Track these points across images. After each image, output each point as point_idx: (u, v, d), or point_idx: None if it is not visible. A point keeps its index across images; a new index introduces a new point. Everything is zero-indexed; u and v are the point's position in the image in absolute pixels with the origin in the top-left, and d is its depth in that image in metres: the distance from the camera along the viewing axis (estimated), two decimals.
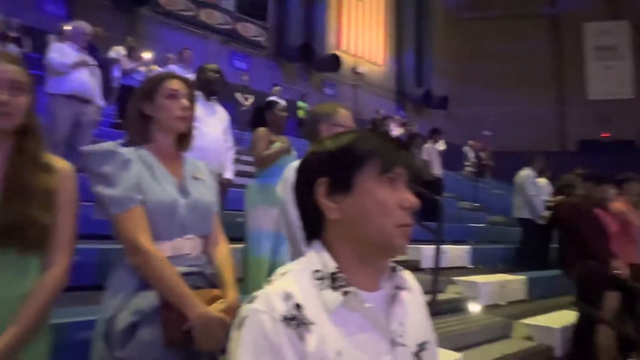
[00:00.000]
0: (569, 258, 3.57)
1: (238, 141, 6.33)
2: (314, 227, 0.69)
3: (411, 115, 13.28)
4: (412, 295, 0.74)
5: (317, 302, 0.62)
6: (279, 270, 0.68)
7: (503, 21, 13.94)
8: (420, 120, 12.76)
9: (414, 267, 4.39)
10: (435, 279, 3.58)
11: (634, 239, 3.74)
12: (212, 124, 2.78)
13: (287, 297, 0.61)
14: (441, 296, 3.79)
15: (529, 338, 3.49)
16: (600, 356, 3.30)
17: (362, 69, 13.86)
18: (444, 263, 4.25)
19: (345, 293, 0.63)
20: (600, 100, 12.84)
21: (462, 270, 4.74)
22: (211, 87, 2.83)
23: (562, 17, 13.86)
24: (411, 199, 0.66)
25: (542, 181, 5.34)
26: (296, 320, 0.60)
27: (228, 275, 1.24)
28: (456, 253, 4.87)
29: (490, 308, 4.05)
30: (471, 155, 10.41)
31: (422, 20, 14.80)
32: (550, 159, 7.83)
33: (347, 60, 13.53)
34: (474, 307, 3.98)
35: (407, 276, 0.76)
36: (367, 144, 0.67)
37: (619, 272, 3.33)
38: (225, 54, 10.93)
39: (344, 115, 1.55)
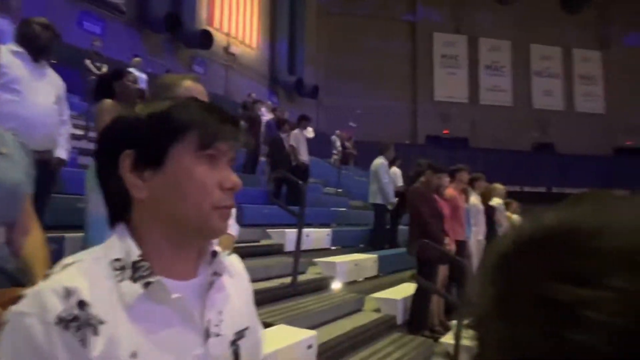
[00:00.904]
0: (411, 237, 4.06)
1: (85, 115, 5.57)
2: (119, 208, 0.60)
3: (283, 102, 13.46)
4: (236, 280, 0.69)
5: (112, 297, 0.53)
6: (63, 261, 0.56)
7: (370, 20, 15.02)
8: (291, 108, 13.02)
9: (278, 250, 4.48)
10: (296, 260, 3.70)
11: (461, 220, 4.43)
12: (40, 91, 2.32)
13: (68, 293, 0.51)
14: (302, 277, 3.94)
15: (377, 310, 3.87)
16: (431, 320, 3.84)
17: (235, 49, 13.45)
18: (307, 245, 4.43)
19: (147, 284, 0.55)
20: (443, 101, 14.89)
21: (324, 251, 5.02)
22: (38, 45, 2.33)
23: (418, 25, 15.56)
24: (233, 179, 0.60)
25: (395, 170, 5.94)
26: (77, 322, 0.50)
27: (39, 270, 1.04)
28: (319, 235, 5.11)
29: (348, 285, 4.38)
30: (338, 144, 11.05)
31: (296, 9, 15.03)
32: (403, 151, 8.78)
33: (219, 38, 12.95)
34: (335, 285, 4.25)
35: (233, 261, 0.71)
36: (185, 113, 0.59)
37: (449, 248, 3.91)
38: (73, 13, 9.41)
39: (188, 88, 1.26)
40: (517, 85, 14.94)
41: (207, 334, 0.60)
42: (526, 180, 11.90)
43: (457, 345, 2.99)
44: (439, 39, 15.31)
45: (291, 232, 4.37)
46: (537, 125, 14.27)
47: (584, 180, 11.54)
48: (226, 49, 13.20)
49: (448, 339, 3.37)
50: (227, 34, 13.50)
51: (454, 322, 3.42)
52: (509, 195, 6.56)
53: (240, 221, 1.63)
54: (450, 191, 4.35)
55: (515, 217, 6.52)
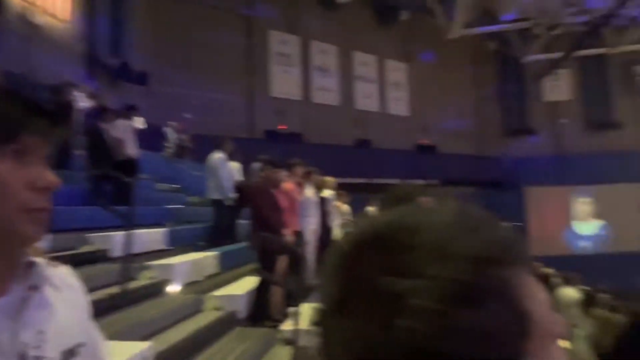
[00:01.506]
0: (252, 231, 4.10)
1: None
2: None
3: (104, 88, 11.83)
4: (65, 293, 0.60)
5: None
6: None
7: (208, 10, 14.45)
8: (115, 94, 11.54)
9: (102, 257, 3.94)
10: (126, 266, 3.33)
11: (297, 211, 4.69)
12: None
13: None
14: (134, 284, 3.57)
15: (219, 308, 3.80)
16: (272, 311, 3.97)
17: (38, 20, 11.14)
18: (139, 248, 4.02)
19: None
20: (280, 98, 15.46)
21: (159, 253, 4.64)
22: None
23: (254, 20, 15.69)
24: (48, 178, 0.52)
25: (234, 165, 5.89)
26: None
27: None
28: (152, 237, 4.71)
29: (188, 286, 4.15)
30: (172, 136, 10.33)
31: None
32: (242, 145, 8.76)
33: (14, 3, 10.54)
34: (171, 288, 3.98)
35: (61, 272, 0.61)
36: None
37: (288, 239, 4.10)
38: None
39: None
40: (343, 87, 16.58)
41: (23, 358, 0.51)
42: (351, 172, 13.34)
43: (296, 331, 3.16)
44: (274, 37, 15.77)
45: (118, 235, 3.89)
46: (358, 123, 16.14)
47: (395, 173, 13.63)
48: (24, 17, 10.82)
49: (288, 325, 3.54)
50: (26, 0, 11.07)
51: (293, 309, 3.62)
52: (339, 186, 7.25)
53: (49, 227, 1.36)
54: (287, 185, 4.55)
55: (345, 206, 7.24)
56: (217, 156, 5.33)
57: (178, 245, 5.11)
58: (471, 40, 16.21)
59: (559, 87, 18.24)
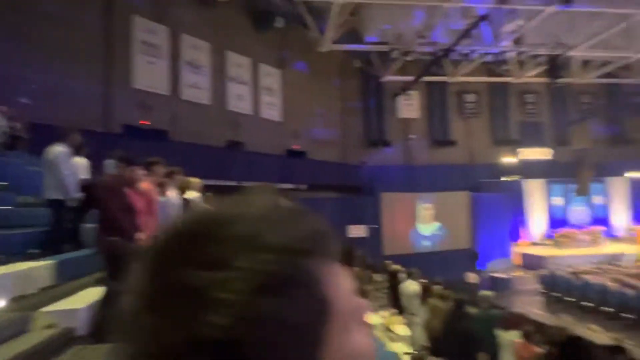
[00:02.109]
0: (100, 235, 3.66)
1: None
2: None
3: None
4: None
5: None
6: None
7: None
8: None
9: None
10: None
11: (155, 213, 4.35)
12: None
13: None
14: None
15: (51, 326, 3.28)
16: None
17: None
18: None
19: None
20: (143, 90, 14.18)
21: None
22: None
23: (117, 2, 14.12)
24: None
25: (80, 160, 5.19)
26: None
27: None
28: None
29: (15, 301, 3.49)
30: (2, 123, 8.60)
31: None
32: (95, 139, 7.77)
33: None
34: None
35: None
36: None
37: (142, 243, 3.76)
38: None
39: None
40: (215, 86, 16.05)
41: None
42: (220, 174, 12.98)
43: None
44: (140, 24, 14.43)
45: None
46: (230, 125, 15.84)
47: (266, 176, 13.75)
48: None
49: None
50: None
51: None
52: (206, 188, 6.96)
53: None
54: (145, 184, 4.19)
55: None
56: (59, 149, 4.61)
57: (4, 254, 4.26)
58: (340, 55, 17.44)
59: (410, 106, 20.81)
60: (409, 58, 15.43)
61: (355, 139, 20.25)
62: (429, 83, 19.68)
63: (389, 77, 17.91)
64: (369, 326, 0.40)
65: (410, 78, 17.31)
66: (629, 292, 10.82)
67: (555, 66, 14.58)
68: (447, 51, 14.19)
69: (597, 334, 9.26)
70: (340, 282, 0.36)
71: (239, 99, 16.60)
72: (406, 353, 4.62)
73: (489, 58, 15.25)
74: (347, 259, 4.50)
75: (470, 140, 21.76)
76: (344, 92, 19.97)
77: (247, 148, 15.97)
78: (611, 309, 11.14)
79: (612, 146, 23.02)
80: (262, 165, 15.11)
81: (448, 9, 13.39)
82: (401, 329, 6.07)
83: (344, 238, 14.13)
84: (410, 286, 5.99)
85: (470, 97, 21.69)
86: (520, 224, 20.67)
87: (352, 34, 15.49)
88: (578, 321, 10.90)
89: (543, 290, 13.81)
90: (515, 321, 4.40)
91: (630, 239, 19.72)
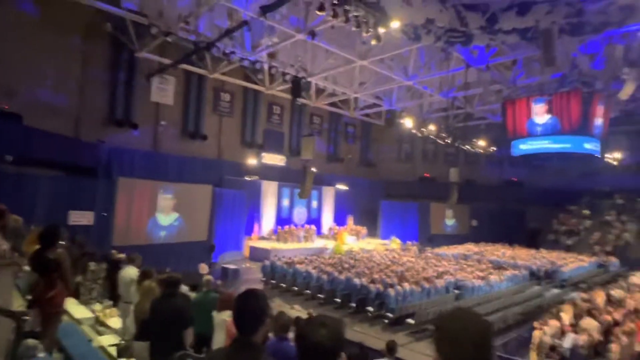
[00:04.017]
0: None
1: None
2: None
3: None
4: None
5: None
6: None
7: None
8: None
9: None
10: None
11: None
12: None
13: None
14: None
15: None
16: None
17: None
18: None
19: None
20: None
21: None
22: None
23: None
24: None
25: None
26: None
27: None
28: None
29: None
30: None
31: None
32: None
33: None
34: None
35: None
36: None
37: None
38: None
39: None
40: None
41: None
42: None
43: None
44: None
45: None
46: None
47: None
48: None
49: None
50: None
51: None
52: None
53: None
54: None
55: None
56: None
57: None
58: (87, 12, 14.85)
59: (165, 91, 19.85)
60: (169, 39, 14.71)
61: (97, 114, 17.69)
62: (189, 72, 19.33)
63: (146, 55, 16.54)
64: None
65: (168, 61, 16.53)
66: (324, 277, 13.58)
67: (297, 86, 16.92)
68: (209, 45, 14.32)
69: (298, 312, 11.19)
70: None
71: None
72: (111, 345, 4.30)
73: (246, 63, 16.27)
74: (48, 242, 3.81)
75: (221, 137, 22.61)
76: (87, 56, 17.13)
77: None
78: (309, 292, 13.71)
79: (328, 162, 28.68)
80: None
81: (214, 4, 13.56)
82: (114, 321, 5.62)
83: (64, 225, 12.00)
84: (129, 273, 5.64)
85: (226, 97, 22.58)
86: (255, 219, 22.85)
87: None
88: (287, 303, 12.90)
89: (263, 279, 15.64)
90: (227, 302, 4.78)
91: (333, 236, 24.91)
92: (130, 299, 5.27)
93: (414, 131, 20.09)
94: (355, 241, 24.98)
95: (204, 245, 17.60)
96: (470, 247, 23.61)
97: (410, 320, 10.90)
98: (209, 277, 5.96)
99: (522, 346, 8.96)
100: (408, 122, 19.43)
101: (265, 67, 17.79)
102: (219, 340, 4.81)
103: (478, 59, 15.02)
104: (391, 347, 5.58)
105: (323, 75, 18.44)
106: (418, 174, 32.58)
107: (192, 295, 5.98)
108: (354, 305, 12.35)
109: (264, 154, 24.13)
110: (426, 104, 22.11)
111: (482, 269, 15.99)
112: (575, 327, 8.78)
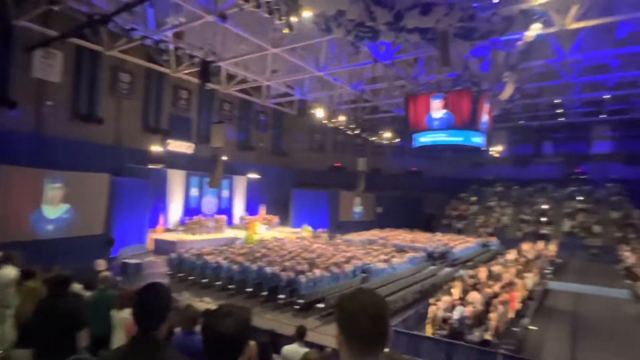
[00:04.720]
0: None
1: None
2: None
3: None
4: None
5: None
6: None
7: None
8: None
9: None
10: None
11: None
12: None
13: None
14: None
15: None
16: None
17: None
18: None
19: None
20: None
21: None
22: None
23: None
24: None
25: None
26: None
27: None
28: None
29: None
30: None
31: None
32: None
33: None
34: None
35: None
36: None
37: None
38: None
39: None
40: None
41: None
42: None
43: None
44: None
45: None
46: None
47: None
48: None
49: None
50: None
51: None
52: None
53: None
54: None
55: None
56: None
57: None
58: None
59: (51, 67, 17.48)
60: (56, 8, 12.95)
61: None
62: (80, 48, 17.31)
63: (25, 23, 14.39)
64: None
65: (54, 33, 14.58)
66: (234, 267, 13.34)
67: (206, 71, 16.15)
68: (105, 18, 12.92)
69: (207, 304, 10.85)
70: None
71: None
72: None
73: (149, 42, 15.05)
74: None
75: (120, 121, 20.74)
76: None
77: None
78: (219, 283, 13.38)
79: (239, 150, 28.06)
80: None
81: None
82: None
83: None
84: (5, 272, 4.91)
85: (126, 77, 20.71)
86: (160, 211, 21.49)
87: None
88: (196, 296, 12.42)
89: (170, 272, 14.85)
90: (128, 299, 4.44)
91: (244, 226, 24.54)
92: (8, 302, 4.60)
93: (324, 121, 20.56)
94: (267, 230, 24.93)
95: (100, 240, 16.09)
96: (376, 233, 25.08)
97: (320, 305, 11.26)
98: (106, 273, 5.47)
99: (420, 321, 9.83)
100: (319, 112, 19.78)
101: (171, 47, 16.67)
102: (119, 340, 4.46)
103: (384, 54, 15.82)
104: (301, 332, 5.71)
105: (234, 60, 17.87)
106: (329, 163, 33.53)
107: (87, 294, 5.44)
108: (265, 293, 12.36)
109: (169, 141, 22.75)
110: (336, 96, 22.72)
111: (387, 253, 17.12)
112: (463, 301, 9.88)
